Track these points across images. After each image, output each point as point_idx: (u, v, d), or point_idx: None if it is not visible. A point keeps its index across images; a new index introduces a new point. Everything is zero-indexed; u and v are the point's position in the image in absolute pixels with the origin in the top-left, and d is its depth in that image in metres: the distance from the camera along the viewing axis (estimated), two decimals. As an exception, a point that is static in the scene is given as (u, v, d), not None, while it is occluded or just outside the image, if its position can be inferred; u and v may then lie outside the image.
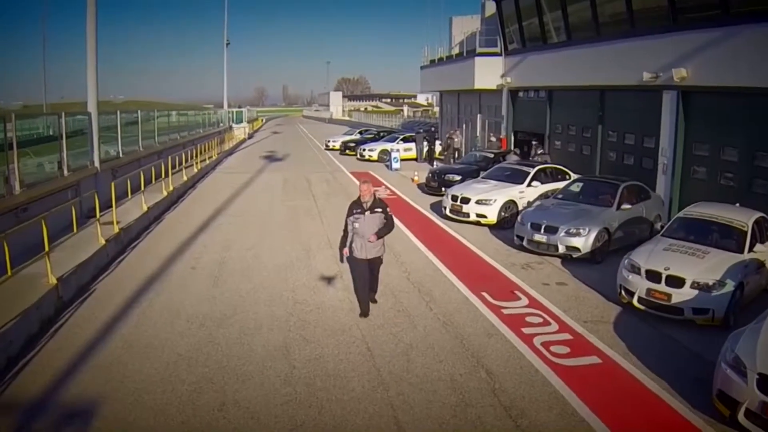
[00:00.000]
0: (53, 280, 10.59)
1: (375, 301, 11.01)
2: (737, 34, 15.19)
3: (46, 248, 10.69)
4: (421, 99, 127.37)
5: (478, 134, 34.54)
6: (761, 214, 11.96)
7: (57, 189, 16.34)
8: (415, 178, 27.70)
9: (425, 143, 35.71)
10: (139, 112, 26.32)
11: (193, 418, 7.17)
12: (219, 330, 9.80)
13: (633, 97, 20.39)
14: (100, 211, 14.36)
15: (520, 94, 29.83)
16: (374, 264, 10.66)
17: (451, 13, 58.12)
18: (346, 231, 10.49)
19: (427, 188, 24.03)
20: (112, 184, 15.96)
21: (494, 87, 30.55)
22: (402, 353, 8.98)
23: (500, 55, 30.25)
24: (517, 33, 28.43)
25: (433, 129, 39.68)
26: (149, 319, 10.29)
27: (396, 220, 18.11)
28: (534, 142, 26.50)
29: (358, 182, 25.77)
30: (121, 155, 22.75)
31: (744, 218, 11.58)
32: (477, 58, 31.00)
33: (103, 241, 13.68)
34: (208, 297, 11.44)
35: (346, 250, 10.44)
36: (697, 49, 16.48)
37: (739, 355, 7.10)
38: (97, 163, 19.51)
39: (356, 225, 10.23)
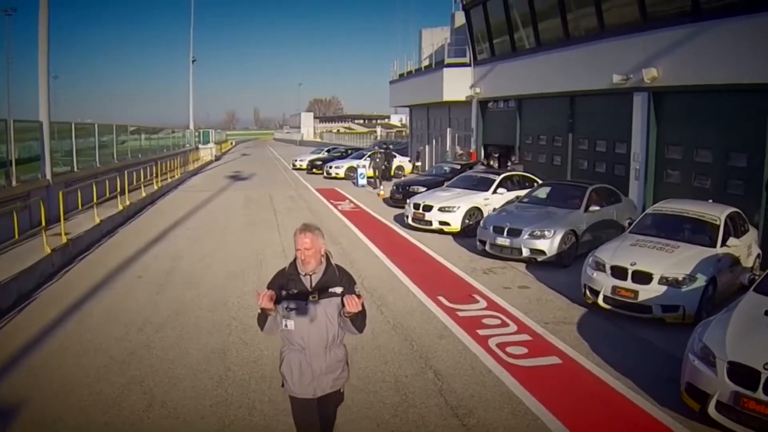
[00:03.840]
0: (-9, 287, 9.95)
1: None
2: (706, 31, 15.06)
3: (-15, 255, 10.04)
4: (395, 120, 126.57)
5: (448, 149, 34.19)
6: (735, 210, 11.60)
7: (3, 198, 15.55)
8: (381, 192, 27.60)
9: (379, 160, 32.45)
10: (96, 125, 25.49)
11: (117, 418, 6.76)
12: (157, 334, 9.27)
13: (603, 101, 20.15)
14: (52, 224, 13.68)
15: (490, 105, 29.61)
16: (329, 404, 5.18)
17: (422, 26, 58.02)
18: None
19: (392, 201, 23.66)
20: (60, 193, 15.29)
21: (463, 98, 30.29)
22: (346, 355, 8.39)
23: (469, 65, 30.04)
24: (486, 41, 28.22)
25: (389, 147, 38.77)
26: (86, 325, 9.77)
27: (356, 230, 17.94)
28: (496, 155, 26.07)
29: (322, 197, 26.01)
30: (75, 169, 21.94)
31: (716, 212, 11.16)
32: (446, 69, 30.80)
33: (49, 250, 13.15)
34: (149, 303, 10.87)
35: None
36: (667, 48, 16.33)
37: (708, 344, 6.59)
38: (48, 176, 18.70)
39: (288, 325, 4.77)
